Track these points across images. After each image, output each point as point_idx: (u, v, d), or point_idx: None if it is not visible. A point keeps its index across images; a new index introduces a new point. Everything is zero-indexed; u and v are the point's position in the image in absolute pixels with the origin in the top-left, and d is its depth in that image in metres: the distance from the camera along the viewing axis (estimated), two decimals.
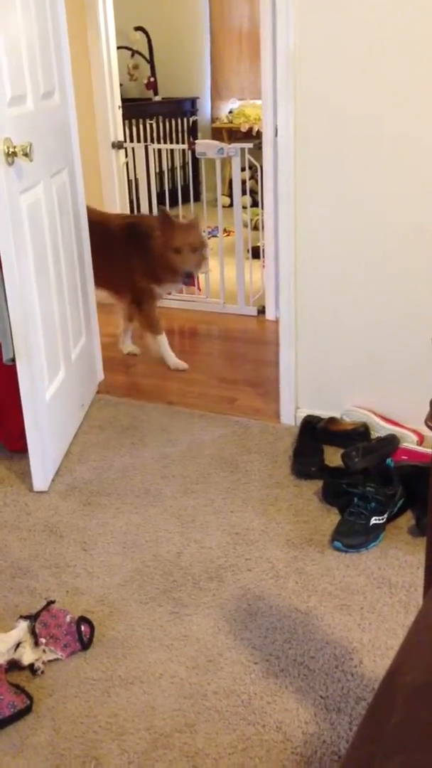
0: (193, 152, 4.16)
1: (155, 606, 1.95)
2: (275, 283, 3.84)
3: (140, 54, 6.85)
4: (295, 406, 2.85)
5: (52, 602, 1.88)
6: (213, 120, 7.35)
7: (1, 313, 2.44)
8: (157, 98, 6.91)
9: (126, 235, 3.43)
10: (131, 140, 5.70)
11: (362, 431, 2.66)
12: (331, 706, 1.63)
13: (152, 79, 6.92)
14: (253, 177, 4.74)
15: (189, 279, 3.40)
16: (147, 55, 6.89)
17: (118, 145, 4.14)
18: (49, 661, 1.77)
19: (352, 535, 2.14)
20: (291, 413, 2.86)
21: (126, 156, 4.26)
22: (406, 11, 2.27)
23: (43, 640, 1.77)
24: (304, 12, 2.39)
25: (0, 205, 2.17)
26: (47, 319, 2.52)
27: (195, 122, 7.01)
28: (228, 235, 4.91)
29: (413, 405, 2.65)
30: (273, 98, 3.56)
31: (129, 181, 4.33)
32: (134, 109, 5.97)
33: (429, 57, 2.28)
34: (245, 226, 4.32)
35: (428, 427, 1.27)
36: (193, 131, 6.93)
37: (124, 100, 4.36)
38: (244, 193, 4.21)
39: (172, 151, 5.56)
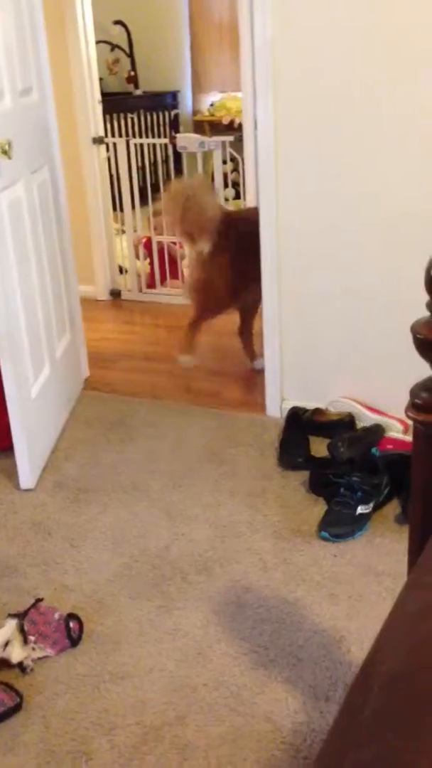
0: (175, 146, 4.16)
1: (144, 600, 1.96)
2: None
3: (120, 48, 6.81)
4: (280, 397, 2.86)
5: (41, 600, 1.88)
6: (194, 113, 7.32)
7: None
8: (138, 92, 6.87)
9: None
10: (112, 135, 5.67)
11: (348, 421, 2.67)
12: (320, 695, 1.65)
13: (132, 73, 6.89)
14: (235, 169, 4.73)
15: None
16: (127, 49, 6.85)
17: (99, 141, 4.12)
18: (39, 658, 1.78)
19: (339, 525, 2.16)
20: (277, 405, 2.87)
21: (107, 151, 4.24)
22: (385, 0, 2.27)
23: (32, 638, 1.78)
24: (281, 2, 2.39)
25: None
26: (30, 316, 2.51)
27: (176, 115, 6.98)
28: None
29: (398, 394, 2.65)
30: (253, 90, 3.55)
31: (111, 177, 4.31)
32: (115, 103, 5.93)
33: (407, 46, 2.28)
34: None
35: (408, 416, 1.28)
36: (174, 124, 6.91)
37: (104, 95, 4.33)
38: (226, 185, 4.20)
39: (153, 145, 5.53)
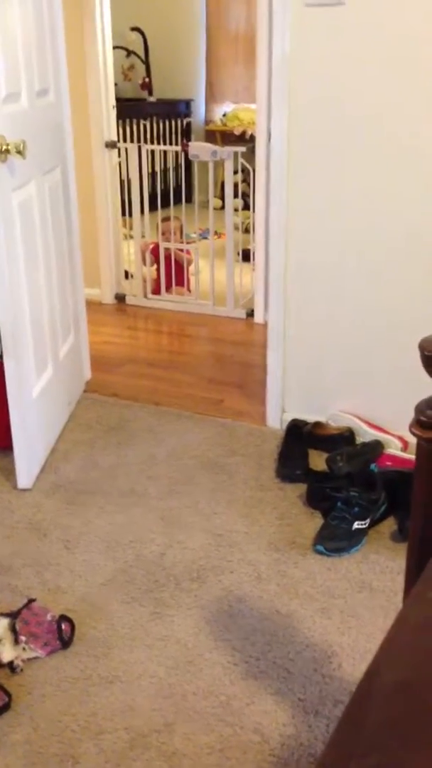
0: (186, 154, 4.17)
1: (137, 606, 1.95)
2: (264, 287, 3.85)
3: (136, 54, 6.86)
4: (281, 409, 2.86)
5: (33, 600, 1.88)
6: (207, 122, 7.37)
7: None
8: (152, 99, 6.91)
9: None
10: (125, 140, 5.70)
11: (347, 436, 2.67)
12: (309, 709, 1.64)
13: (147, 80, 6.93)
14: (245, 180, 4.75)
15: None
16: (142, 56, 6.89)
17: (111, 145, 4.14)
18: (29, 659, 1.77)
19: (335, 540, 2.16)
20: (277, 416, 2.87)
21: (119, 156, 4.26)
22: (403, 15, 2.29)
23: (23, 638, 1.77)
24: (300, 16, 2.41)
25: None
26: (36, 316, 2.51)
27: (189, 124, 7.03)
28: (219, 238, 4.92)
29: (398, 411, 2.66)
30: (267, 102, 3.57)
31: (121, 181, 4.33)
32: (129, 109, 5.97)
33: (424, 62, 2.30)
34: (236, 228, 4.34)
35: (412, 433, 1.29)
36: (186, 133, 6.95)
37: (118, 100, 4.35)
38: (236, 196, 4.22)
39: (165, 152, 5.56)
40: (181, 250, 4.37)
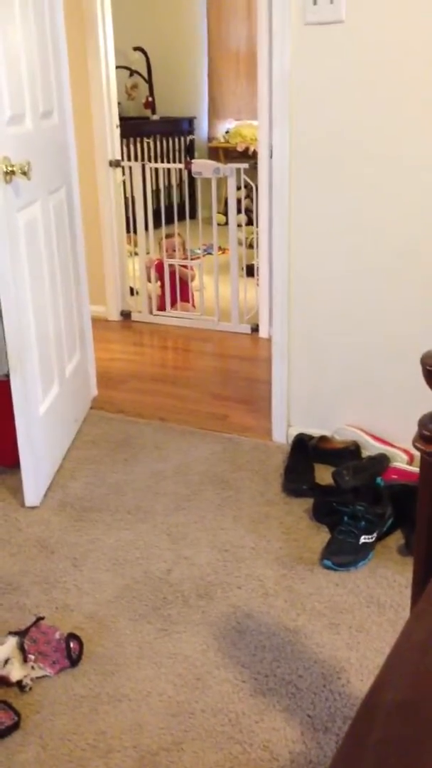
0: (190, 171, 4.21)
1: (144, 623, 1.95)
2: (269, 302, 3.87)
3: (138, 73, 6.93)
4: (286, 423, 2.87)
5: (42, 618, 1.88)
6: (210, 139, 7.42)
7: None
8: (155, 117, 6.97)
9: None
10: (129, 159, 5.75)
11: (353, 450, 2.67)
12: (319, 726, 1.64)
13: (150, 99, 6.99)
14: (248, 196, 4.79)
15: None
16: (145, 75, 6.96)
17: (115, 164, 4.17)
18: (38, 677, 1.77)
19: (342, 554, 2.15)
20: (283, 431, 2.87)
21: (123, 174, 4.30)
22: (402, 33, 2.31)
23: (31, 657, 1.77)
24: (299, 35, 2.44)
25: None
26: (42, 334, 2.53)
27: (192, 141, 7.08)
28: (223, 253, 4.95)
29: (404, 424, 2.67)
30: (269, 119, 3.61)
31: (125, 199, 4.37)
32: (132, 127, 6.02)
33: (423, 79, 2.32)
34: (240, 244, 4.36)
35: (416, 447, 1.29)
36: (189, 150, 7.00)
37: (122, 119, 4.40)
38: (239, 211, 4.25)
39: (168, 169, 5.60)
40: (184, 266, 4.39)
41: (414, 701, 0.74)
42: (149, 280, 4.41)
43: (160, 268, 4.40)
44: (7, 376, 2.39)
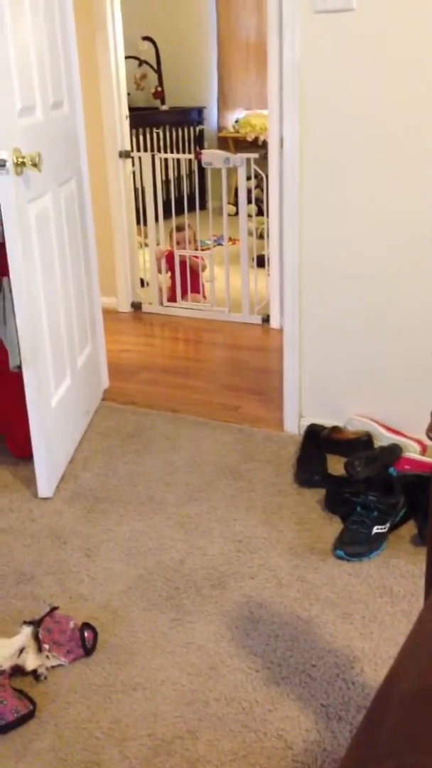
0: (200, 162, 4.19)
1: (158, 613, 1.96)
2: (280, 292, 3.86)
3: (148, 64, 6.90)
4: (298, 414, 2.87)
5: (56, 608, 1.89)
6: (219, 129, 7.39)
7: (8, 320, 2.47)
8: (165, 107, 6.95)
9: None
10: (138, 149, 5.73)
11: (365, 440, 2.67)
12: (332, 715, 1.64)
13: (159, 89, 6.97)
14: (258, 186, 4.77)
15: None
16: (154, 65, 6.94)
17: (125, 155, 4.17)
18: (53, 666, 1.79)
19: (355, 544, 2.15)
20: (294, 421, 2.87)
21: (133, 165, 4.30)
22: (412, 20, 2.29)
23: (46, 646, 1.79)
24: (309, 23, 2.42)
25: (8, 214, 2.20)
26: (53, 326, 2.54)
27: (202, 131, 7.05)
28: (233, 244, 4.94)
29: (416, 415, 2.66)
30: (279, 109, 3.59)
31: (135, 190, 4.36)
32: (141, 118, 6.01)
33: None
34: (250, 234, 4.35)
35: (429, 437, 1.29)
36: (199, 140, 6.97)
37: (131, 110, 4.39)
38: (249, 202, 4.23)
39: (178, 160, 5.58)
40: (196, 257, 4.39)
41: (429, 690, 0.75)
42: (159, 272, 4.41)
43: (170, 259, 4.39)
44: (20, 368, 2.40)
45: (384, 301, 2.60)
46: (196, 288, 4.44)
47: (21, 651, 1.75)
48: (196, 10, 7.04)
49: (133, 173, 4.31)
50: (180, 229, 4.37)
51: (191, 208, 4.38)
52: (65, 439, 2.68)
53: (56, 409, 2.56)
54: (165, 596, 2.02)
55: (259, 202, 4.98)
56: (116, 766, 1.54)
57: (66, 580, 2.10)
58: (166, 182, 4.41)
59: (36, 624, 1.82)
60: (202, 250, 4.47)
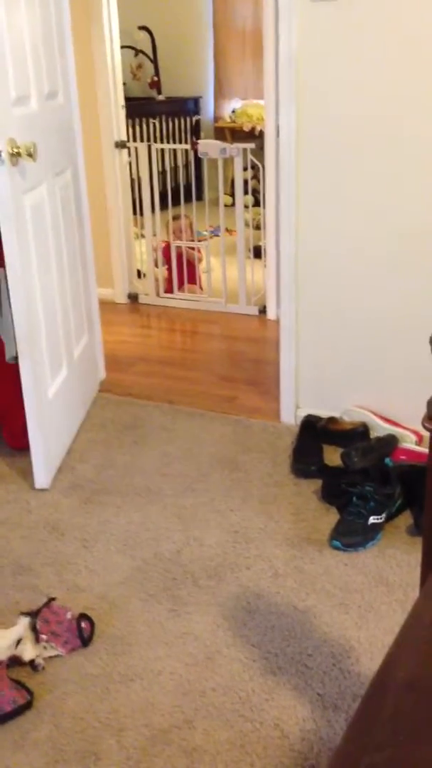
0: (196, 152, 4.18)
1: (155, 603, 1.97)
2: (276, 283, 3.86)
3: (144, 53, 6.87)
4: (295, 405, 2.87)
5: (53, 599, 1.90)
6: (216, 119, 7.36)
7: (4, 311, 2.46)
8: (161, 97, 6.92)
9: None
10: (134, 139, 5.71)
11: (362, 431, 2.67)
12: (328, 704, 1.65)
13: (156, 79, 6.94)
14: (255, 176, 4.75)
15: None
16: (151, 55, 6.90)
17: (121, 145, 4.15)
18: (50, 657, 1.79)
19: (351, 535, 2.16)
20: (291, 412, 2.87)
21: (129, 155, 4.28)
22: (411, 10, 2.28)
23: (43, 637, 1.79)
24: (306, 11, 2.41)
25: (3, 205, 2.19)
26: (50, 317, 2.53)
27: (198, 121, 7.03)
28: (230, 235, 4.93)
29: (412, 405, 2.66)
30: (275, 98, 3.57)
31: (132, 180, 4.34)
32: (138, 108, 5.98)
33: (431, 57, 2.29)
34: (247, 225, 4.34)
35: (425, 428, 1.29)
36: (196, 130, 6.95)
37: (127, 99, 4.36)
38: (246, 192, 4.22)
39: (174, 150, 5.56)
40: (192, 249, 4.38)
41: (424, 678, 0.75)
42: (156, 265, 4.40)
43: (167, 252, 4.38)
44: (16, 359, 2.40)
45: (381, 292, 2.59)
46: (192, 279, 4.43)
47: (18, 642, 1.76)
48: None
49: (129, 164, 4.29)
50: (177, 218, 4.35)
51: (188, 199, 4.37)
52: (62, 431, 2.67)
53: (53, 400, 2.56)
54: (162, 587, 2.03)
55: (255, 192, 4.97)
56: (114, 755, 1.54)
57: (63, 571, 2.10)
58: (163, 173, 4.40)
59: (33, 615, 1.83)
60: (199, 240, 4.46)
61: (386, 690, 0.75)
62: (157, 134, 6.30)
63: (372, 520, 2.18)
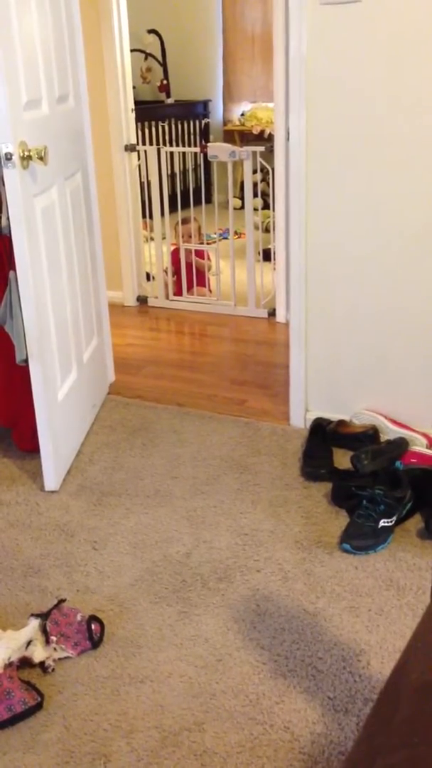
0: (205, 155, 4.18)
1: (165, 606, 1.97)
2: (286, 286, 3.86)
3: (153, 57, 6.88)
4: (304, 408, 2.87)
5: (63, 601, 1.90)
6: (225, 122, 7.37)
7: (15, 314, 2.47)
8: (170, 101, 6.94)
9: None
10: (144, 143, 5.72)
11: (371, 434, 2.67)
12: (339, 707, 1.65)
13: (165, 82, 6.95)
14: (264, 179, 4.75)
15: None
16: (160, 58, 6.92)
17: (130, 148, 4.16)
18: (60, 659, 1.80)
19: (361, 538, 2.15)
20: (301, 415, 2.87)
21: (138, 159, 4.29)
22: (420, 12, 2.28)
23: (54, 638, 1.79)
24: (316, 15, 2.41)
25: (15, 208, 2.19)
26: (60, 320, 2.54)
27: (207, 124, 7.04)
28: (239, 237, 4.93)
29: (423, 408, 2.66)
30: (285, 101, 3.58)
31: (141, 184, 4.35)
32: (147, 111, 6.00)
33: None
34: (256, 228, 4.34)
35: None
36: (205, 133, 6.96)
37: (137, 103, 4.38)
38: (255, 195, 4.22)
39: (184, 153, 5.57)
40: (201, 257, 4.37)
41: None
42: (166, 273, 4.39)
43: (176, 259, 4.38)
44: (26, 362, 2.40)
45: (391, 294, 2.59)
46: (201, 282, 4.44)
47: (29, 643, 1.76)
48: (201, 2, 7.02)
49: (139, 167, 4.30)
50: (186, 221, 4.36)
51: (197, 202, 4.37)
52: (71, 433, 2.68)
53: (62, 402, 2.56)
54: (172, 589, 2.03)
55: (265, 195, 4.97)
56: (124, 757, 1.54)
57: (73, 572, 2.11)
58: (172, 176, 4.41)
59: (43, 616, 1.83)
60: (208, 243, 4.46)
61: (400, 693, 0.75)
62: (167, 137, 6.32)
63: (382, 523, 2.17)
